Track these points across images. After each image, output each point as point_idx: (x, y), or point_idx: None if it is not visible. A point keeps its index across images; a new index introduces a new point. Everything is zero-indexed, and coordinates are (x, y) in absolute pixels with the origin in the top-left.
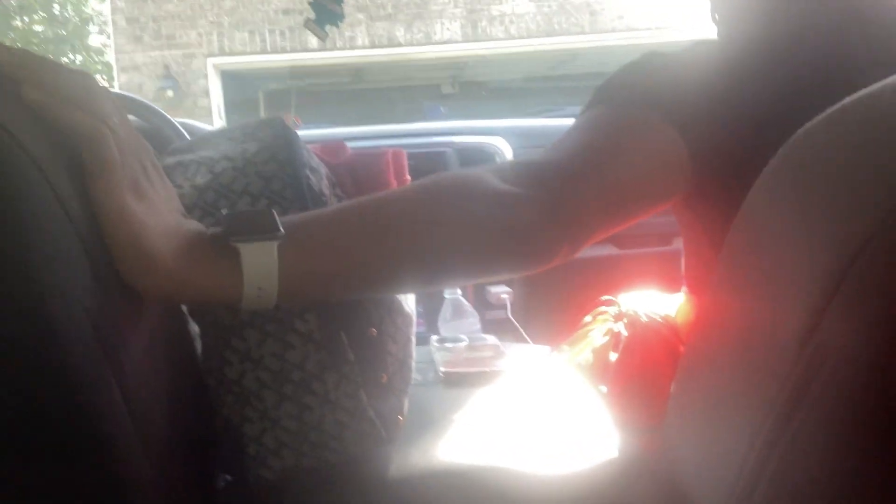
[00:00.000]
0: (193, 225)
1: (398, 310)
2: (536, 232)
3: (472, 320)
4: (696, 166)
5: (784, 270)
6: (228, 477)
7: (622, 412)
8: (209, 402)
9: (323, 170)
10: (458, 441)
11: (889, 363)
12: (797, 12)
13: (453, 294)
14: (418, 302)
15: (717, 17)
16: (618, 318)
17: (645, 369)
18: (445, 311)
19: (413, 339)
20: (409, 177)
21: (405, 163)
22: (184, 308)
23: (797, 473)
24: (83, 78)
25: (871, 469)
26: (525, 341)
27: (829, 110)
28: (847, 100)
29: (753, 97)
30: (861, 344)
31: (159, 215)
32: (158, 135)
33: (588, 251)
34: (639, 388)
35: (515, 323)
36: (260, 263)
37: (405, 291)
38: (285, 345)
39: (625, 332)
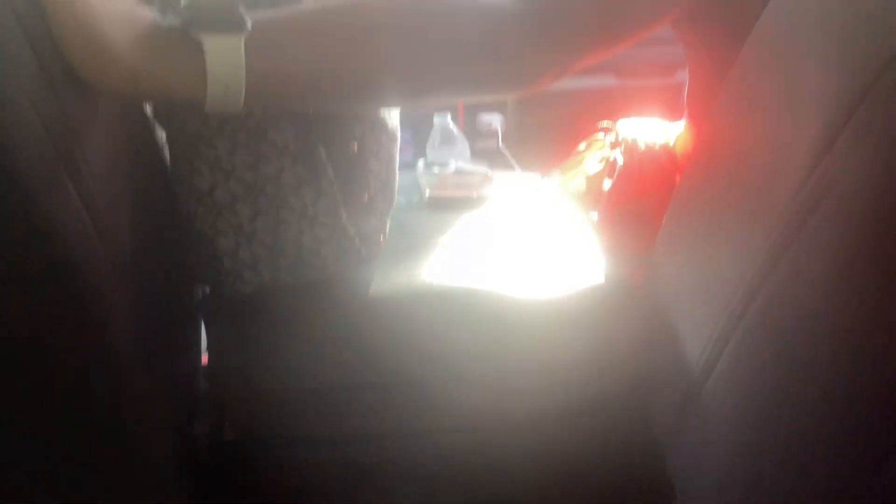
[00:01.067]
0: (149, 12)
1: (381, 126)
2: (522, 50)
3: (462, 147)
4: None
5: (800, 89)
6: (207, 289)
7: (612, 239)
8: (181, 215)
9: None
10: (441, 263)
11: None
12: None
13: (443, 118)
14: (406, 127)
15: None
16: (614, 145)
17: (639, 197)
18: (434, 136)
19: (396, 157)
20: None
21: None
22: (148, 112)
23: (792, 297)
24: None
25: (867, 303)
26: (515, 170)
27: None
28: None
29: None
30: (870, 173)
31: None
32: None
33: (586, 80)
34: (631, 215)
35: (506, 152)
36: (225, 58)
37: (381, 104)
38: (258, 156)
39: (620, 160)
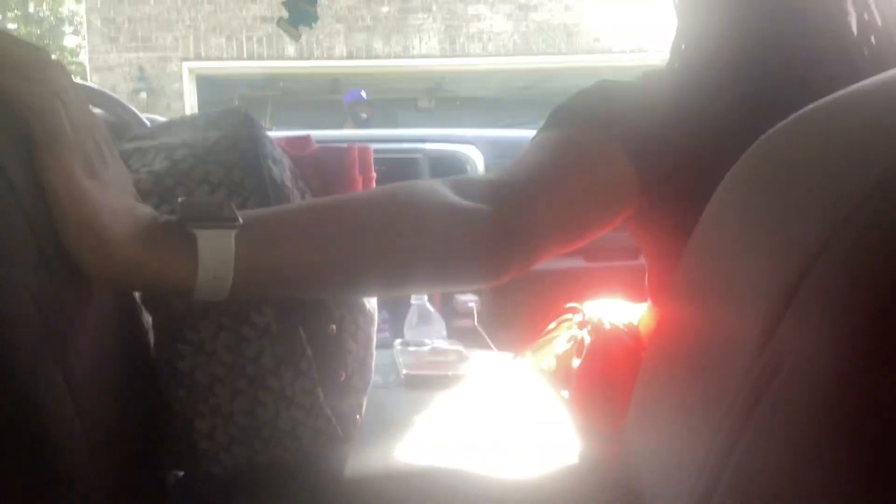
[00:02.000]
0: (147, 209)
1: (360, 308)
2: (490, 247)
3: (438, 327)
4: (645, 189)
5: (742, 277)
6: (179, 473)
7: (583, 418)
8: (160, 397)
9: (286, 161)
10: (417, 442)
11: (844, 370)
12: (754, 30)
13: (419, 300)
14: (384, 307)
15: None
16: (581, 325)
17: (606, 375)
18: (411, 316)
19: (374, 338)
20: (374, 174)
21: (370, 159)
22: (137, 298)
23: (754, 480)
24: (36, 51)
25: (826, 474)
26: (490, 349)
27: (790, 118)
28: (807, 108)
29: (704, 124)
30: (816, 351)
31: (111, 195)
32: (124, 127)
33: (557, 263)
34: (600, 393)
35: (482, 331)
36: (216, 251)
37: (360, 295)
38: (240, 338)
39: (588, 339)
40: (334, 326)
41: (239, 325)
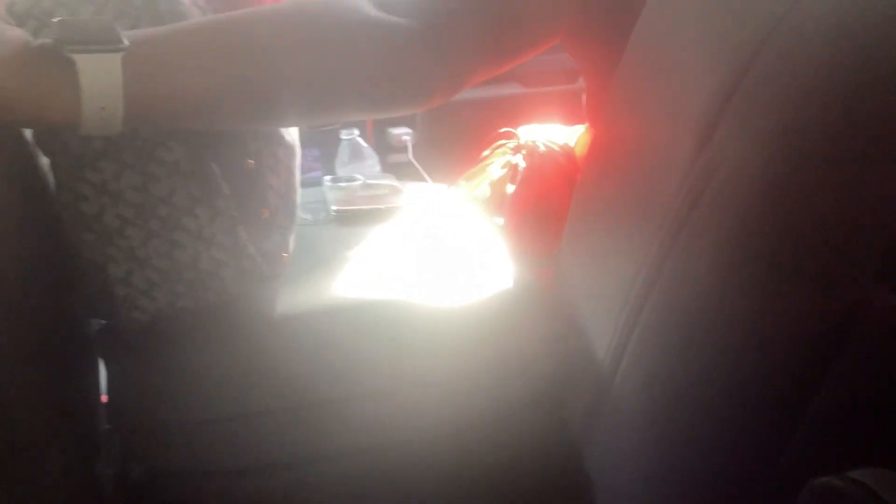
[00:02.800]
0: (18, 32)
1: (278, 140)
2: (414, 64)
3: (371, 162)
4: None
5: (678, 83)
6: (101, 321)
7: (518, 243)
8: (68, 243)
9: None
10: (349, 277)
11: (777, 173)
12: None
13: (350, 135)
14: (314, 144)
15: None
16: (516, 150)
17: (541, 199)
18: (342, 153)
19: (296, 171)
20: None
21: None
22: (29, 138)
23: (684, 289)
24: None
25: (756, 274)
26: (425, 181)
27: None
28: None
29: None
30: (750, 156)
31: None
32: None
33: (492, 90)
34: (535, 218)
35: (417, 165)
36: (100, 77)
37: (275, 123)
38: (147, 177)
39: (522, 164)
40: (251, 161)
41: (144, 163)
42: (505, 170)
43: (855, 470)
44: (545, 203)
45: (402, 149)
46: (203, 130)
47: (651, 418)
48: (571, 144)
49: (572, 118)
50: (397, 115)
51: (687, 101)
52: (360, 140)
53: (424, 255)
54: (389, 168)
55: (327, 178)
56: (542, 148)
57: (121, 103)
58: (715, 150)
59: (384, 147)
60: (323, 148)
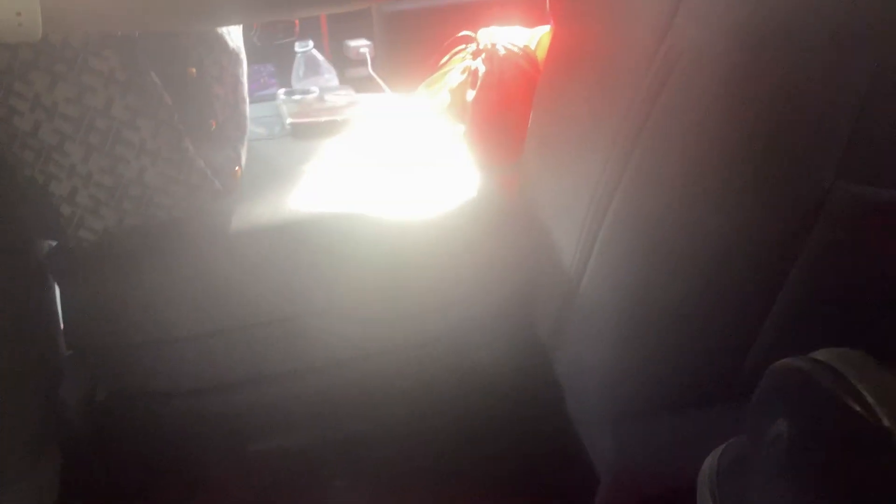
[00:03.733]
0: None
1: (221, 47)
2: None
3: (329, 76)
4: None
5: None
6: (52, 243)
7: (480, 151)
8: (6, 161)
9: None
10: (306, 192)
11: (736, 58)
12: None
13: (305, 47)
14: (269, 59)
15: None
16: (476, 54)
17: (502, 104)
18: (298, 67)
19: (243, 81)
20: None
21: None
22: None
23: (650, 182)
24: None
25: (719, 167)
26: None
27: None
28: None
29: None
30: (708, 43)
31: None
32: None
33: None
34: (496, 124)
35: (376, 77)
36: None
37: (202, 23)
38: (82, 88)
39: (483, 68)
40: (194, 69)
41: (77, 74)
42: (465, 75)
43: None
44: (506, 108)
45: (361, 62)
46: (136, 34)
47: (616, 322)
48: (532, 47)
49: (534, 20)
50: (331, 11)
51: None
52: (316, 53)
53: (384, 167)
54: (348, 82)
55: (281, 91)
56: (503, 51)
57: (37, 6)
58: (675, 38)
59: (342, 61)
60: (278, 63)
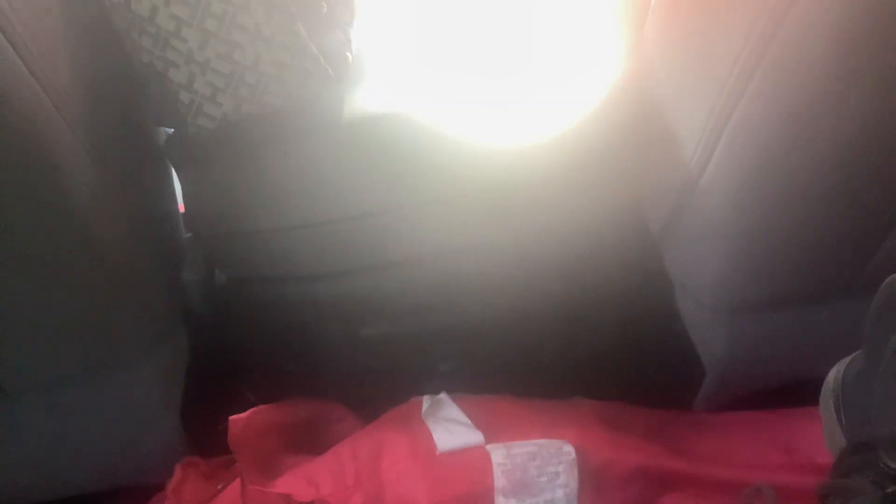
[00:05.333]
0: None
1: None
2: None
3: None
4: None
5: None
6: (168, 130)
7: (599, 30)
8: (124, 48)
9: None
10: (418, 77)
11: None
12: None
13: None
14: None
15: None
16: None
17: None
18: None
19: None
20: None
21: None
22: None
23: (788, 77)
24: None
25: (866, 71)
26: None
27: None
28: None
29: None
30: None
31: None
32: None
33: None
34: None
35: None
36: None
37: None
38: None
39: None
40: None
41: None
42: None
43: None
44: None
45: None
46: None
47: (739, 215)
48: None
49: None
50: None
51: None
52: None
53: (501, 48)
54: None
55: None
56: None
57: None
58: None
59: None
60: None
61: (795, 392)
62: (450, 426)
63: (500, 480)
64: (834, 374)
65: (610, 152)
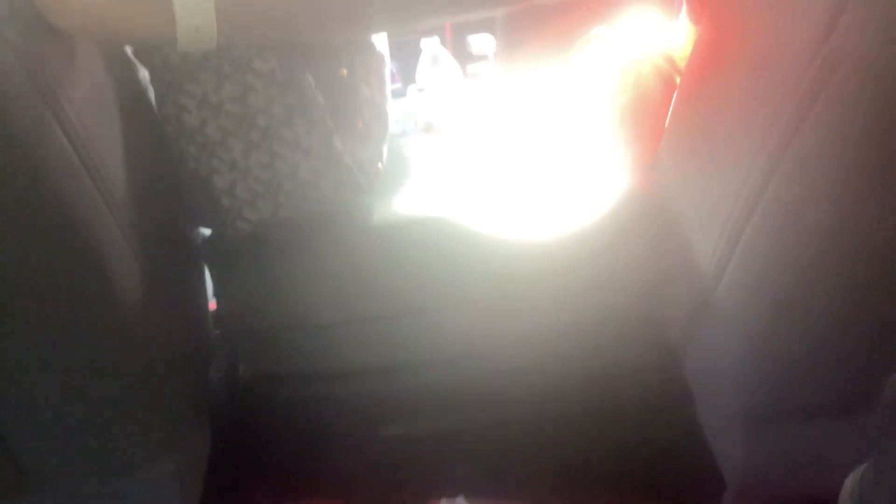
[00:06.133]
0: None
1: (369, 50)
2: None
3: (453, 71)
4: None
5: None
6: (207, 231)
7: (616, 150)
8: (172, 156)
9: None
10: (443, 187)
11: None
12: None
13: (431, 42)
14: (392, 57)
15: None
16: (610, 52)
17: (639, 104)
18: (423, 62)
19: (388, 81)
20: None
21: None
22: (129, 53)
23: (800, 193)
24: None
25: (879, 180)
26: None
27: None
28: None
29: None
30: (876, 51)
31: None
32: None
33: None
34: (633, 124)
35: (499, 73)
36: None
37: (367, 31)
38: (246, 87)
39: (618, 67)
40: (345, 70)
41: (242, 74)
42: (599, 73)
43: None
44: (644, 108)
45: (483, 57)
46: (297, 41)
47: (756, 325)
48: (668, 43)
49: (663, 12)
50: (490, 13)
51: None
52: (442, 48)
53: (518, 163)
54: (470, 77)
55: (412, 86)
56: (639, 50)
57: (214, 21)
58: (839, 41)
59: (464, 56)
60: (403, 60)
61: None
62: None
63: None
64: (850, 483)
65: (627, 259)
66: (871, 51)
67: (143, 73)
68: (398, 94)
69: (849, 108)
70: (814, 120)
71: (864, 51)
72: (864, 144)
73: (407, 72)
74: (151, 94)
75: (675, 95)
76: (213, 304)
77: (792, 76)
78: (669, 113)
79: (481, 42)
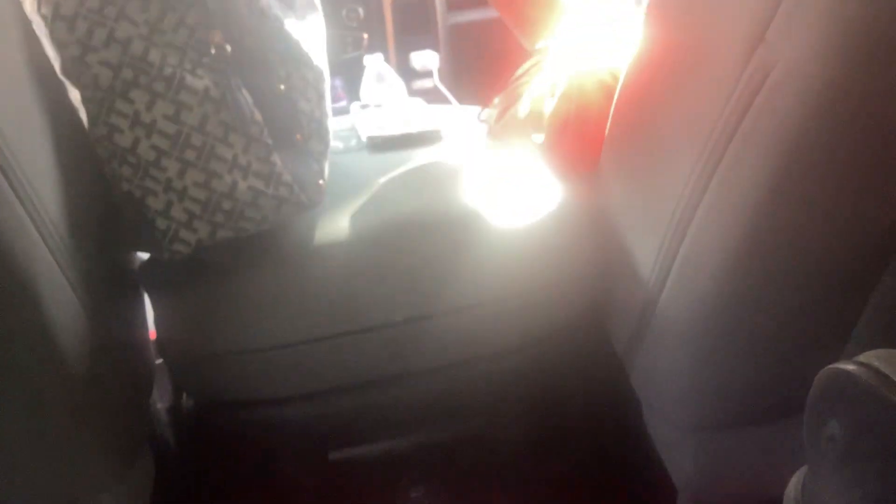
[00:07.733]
0: None
1: (306, 64)
2: None
3: (397, 88)
4: None
5: None
6: (144, 256)
7: (557, 162)
8: (105, 177)
9: None
10: (387, 204)
11: (835, 73)
12: None
13: (375, 60)
14: (336, 74)
15: None
16: (553, 66)
17: (581, 116)
18: (368, 79)
19: (326, 96)
20: None
21: None
22: (58, 71)
23: (735, 200)
24: None
25: (810, 184)
26: (452, 105)
27: None
28: None
29: None
30: (806, 54)
31: None
32: None
33: None
34: (574, 135)
35: (443, 89)
36: None
37: None
38: (179, 105)
39: (561, 80)
40: (282, 86)
41: (176, 92)
42: (541, 87)
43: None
44: (584, 119)
45: (427, 74)
46: (228, 53)
47: (698, 335)
48: (609, 59)
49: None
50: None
51: (736, 5)
52: (386, 65)
53: (460, 179)
54: (414, 93)
55: (355, 104)
56: (582, 65)
57: None
58: (768, 49)
59: (407, 73)
60: (346, 77)
61: None
62: None
63: None
64: (794, 481)
65: (571, 270)
66: (800, 56)
67: (74, 94)
68: (343, 111)
69: (780, 113)
70: (747, 127)
71: (793, 56)
72: (797, 150)
73: (351, 88)
74: (83, 114)
75: (615, 107)
76: (153, 333)
77: (726, 84)
78: (608, 123)
79: (425, 58)
